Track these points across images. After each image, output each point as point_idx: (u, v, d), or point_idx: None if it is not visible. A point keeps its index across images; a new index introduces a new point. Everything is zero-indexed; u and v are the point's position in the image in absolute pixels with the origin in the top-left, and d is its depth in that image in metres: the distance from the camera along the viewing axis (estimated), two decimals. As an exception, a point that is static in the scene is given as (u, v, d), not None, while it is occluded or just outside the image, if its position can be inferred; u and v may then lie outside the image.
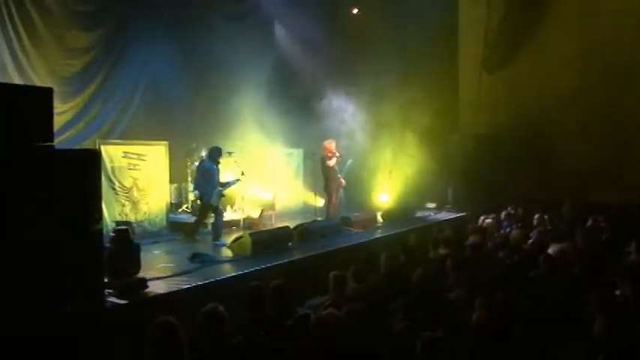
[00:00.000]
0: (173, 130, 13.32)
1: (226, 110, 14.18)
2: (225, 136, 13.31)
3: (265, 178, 14.13)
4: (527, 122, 15.97)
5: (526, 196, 14.22)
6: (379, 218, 13.82)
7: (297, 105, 15.21)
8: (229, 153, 11.37)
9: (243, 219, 11.42)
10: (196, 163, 12.47)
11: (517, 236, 9.63)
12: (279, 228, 11.19)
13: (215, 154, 11.16)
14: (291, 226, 11.12)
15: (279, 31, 16.90)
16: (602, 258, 7.75)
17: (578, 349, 4.58)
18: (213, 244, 10.82)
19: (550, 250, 8.11)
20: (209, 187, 11.06)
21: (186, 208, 13.61)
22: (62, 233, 5.69)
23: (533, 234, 10.10)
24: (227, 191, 12.39)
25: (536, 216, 11.03)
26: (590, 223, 10.46)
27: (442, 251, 9.03)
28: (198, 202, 11.51)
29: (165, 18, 13.51)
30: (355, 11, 17.78)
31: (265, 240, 10.07)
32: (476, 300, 5.43)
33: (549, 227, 10.74)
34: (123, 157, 11.44)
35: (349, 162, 15.42)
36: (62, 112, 11.33)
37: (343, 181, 13.64)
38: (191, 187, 13.16)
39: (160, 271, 8.27)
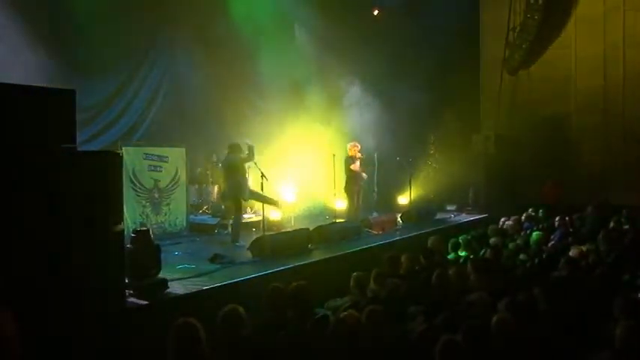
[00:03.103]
0: (195, 132, 13.37)
1: (247, 112, 14.25)
2: (246, 138, 13.35)
3: (285, 180, 14.13)
4: (548, 123, 15.90)
5: (547, 197, 14.17)
6: (399, 220, 13.77)
7: (318, 106, 15.21)
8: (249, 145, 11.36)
9: (263, 220, 11.40)
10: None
11: (538, 238, 9.57)
12: (299, 230, 11.16)
13: (236, 148, 11.19)
14: (311, 228, 11.11)
15: (299, 32, 16.90)
16: (625, 260, 7.68)
17: (601, 354, 4.53)
18: (234, 245, 10.80)
19: (571, 253, 8.05)
20: (242, 182, 11.10)
21: (207, 209, 13.68)
22: (84, 234, 5.73)
23: (555, 236, 10.04)
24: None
25: (557, 218, 10.95)
26: (612, 225, 10.36)
27: (462, 253, 9.02)
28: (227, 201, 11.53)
29: (187, 21, 13.60)
30: (376, 12, 17.74)
31: (285, 241, 10.07)
32: (497, 302, 5.40)
33: (571, 229, 10.66)
34: (144, 158, 11.49)
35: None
36: (85, 113, 11.42)
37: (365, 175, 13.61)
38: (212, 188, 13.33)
39: (180, 272, 8.29)
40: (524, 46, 16.35)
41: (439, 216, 15.13)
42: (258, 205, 12.81)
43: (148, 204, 11.51)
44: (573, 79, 15.91)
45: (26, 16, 10.78)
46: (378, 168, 15.35)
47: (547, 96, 16.23)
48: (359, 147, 13.34)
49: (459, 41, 16.76)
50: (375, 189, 15.78)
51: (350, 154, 13.22)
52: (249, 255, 9.62)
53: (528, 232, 10.82)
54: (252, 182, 11.57)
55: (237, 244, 10.80)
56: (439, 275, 6.67)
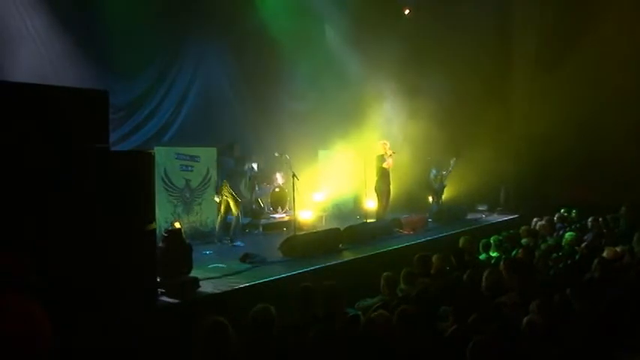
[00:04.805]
0: (226, 132, 13.41)
1: (278, 113, 14.29)
2: (277, 138, 13.40)
3: (316, 179, 14.15)
4: (581, 121, 15.62)
5: (580, 197, 13.97)
6: (429, 220, 13.72)
7: (349, 106, 15.19)
8: (279, 154, 11.47)
9: (294, 220, 11.42)
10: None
11: (571, 239, 9.45)
12: (330, 229, 11.18)
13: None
14: (342, 228, 11.11)
15: (330, 33, 16.87)
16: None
17: (636, 356, 4.47)
18: (232, 245, 11.01)
19: (605, 254, 7.94)
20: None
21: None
22: (116, 233, 5.79)
23: (588, 237, 9.91)
24: (279, 192, 13.04)
25: (590, 219, 10.80)
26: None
27: (493, 254, 8.94)
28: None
29: (216, 20, 13.66)
30: (407, 12, 17.65)
31: (316, 241, 10.10)
32: (529, 303, 5.35)
33: (604, 230, 10.51)
34: (176, 158, 11.57)
35: (452, 161, 15.42)
36: (117, 114, 11.51)
37: None
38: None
39: (211, 272, 8.35)
40: (556, 43, 16.14)
41: (470, 216, 15.06)
42: (289, 204, 12.87)
43: (179, 203, 11.59)
44: (608, 76, 15.60)
45: (60, 19, 10.89)
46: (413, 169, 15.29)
47: (580, 93, 15.92)
48: (388, 144, 13.27)
49: (491, 37, 16.60)
50: (441, 199, 15.64)
51: (381, 152, 13.15)
52: (279, 255, 9.66)
53: (561, 232, 10.70)
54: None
55: (234, 244, 11.01)
56: (470, 275, 6.64)
